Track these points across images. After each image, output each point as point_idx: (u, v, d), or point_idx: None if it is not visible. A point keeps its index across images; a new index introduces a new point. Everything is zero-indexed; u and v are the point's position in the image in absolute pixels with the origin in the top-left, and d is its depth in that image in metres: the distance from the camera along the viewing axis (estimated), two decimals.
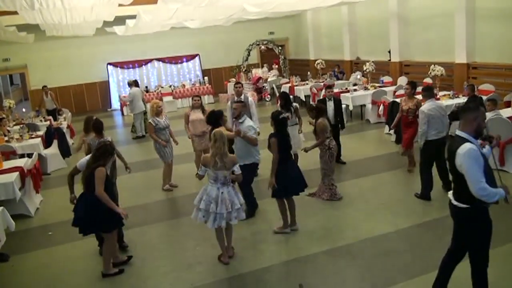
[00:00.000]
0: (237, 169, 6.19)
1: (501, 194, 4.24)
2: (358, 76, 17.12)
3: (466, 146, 4.24)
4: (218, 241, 6.34)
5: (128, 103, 16.24)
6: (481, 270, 4.58)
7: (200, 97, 10.19)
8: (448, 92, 12.52)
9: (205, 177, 6.28)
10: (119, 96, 16.71)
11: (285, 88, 18.16)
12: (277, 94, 18.63)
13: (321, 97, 13.56)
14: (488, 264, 4.56)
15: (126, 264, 6.47)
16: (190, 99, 10.34)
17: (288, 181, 6.89)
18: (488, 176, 4.25)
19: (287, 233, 7.05)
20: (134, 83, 15.67)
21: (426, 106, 7.90)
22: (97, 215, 5.91)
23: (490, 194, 4.20)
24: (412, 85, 9.28)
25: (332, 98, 10.11)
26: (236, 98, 9.38)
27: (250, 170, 7.71)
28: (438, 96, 12.28)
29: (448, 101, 11.64)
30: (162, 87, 22.03)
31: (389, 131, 11.73)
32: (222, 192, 6.04)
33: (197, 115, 9.64)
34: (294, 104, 9.80)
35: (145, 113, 15.48)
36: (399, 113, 9.38)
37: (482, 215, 4.45)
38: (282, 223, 7.15)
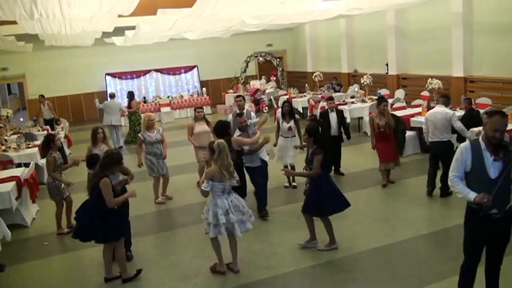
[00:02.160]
0: (236, 176, 6.21)
1: (469, 197, 4.38)
2: (356, 89, 17.16)
3: (462, 143, 4.57)
4: (215, 250, 6.26)
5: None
6: (461, 269, 4.78)
7: (203, 108, 10.09)
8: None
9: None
10: (95, 100, 16.69)
11: (282, 100, 18.14)
12: (275, 106, 18.69)
13: (320, 110, 13.66)
14: (467, 270, 4.71)
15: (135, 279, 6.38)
16: (188, 110, 10.27)
17: (330, 198, 6.70)
18: (476, 179, 4.43)
19: (335, 249, 6.81)
20: (128, 95, 16.00)
21: (429, 111, 8.77)
22: (99, 224, 5.93)
23: (457, 189, 4.53)
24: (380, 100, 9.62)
25: (334, 110, 10.17)
26: (238, 111, 9.37)
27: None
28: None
29: None
30: (160, 98, 22.03)
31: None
32: (231, 201, 6.06)
33: (202, 127, 9.55)
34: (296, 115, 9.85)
35: (138, 124, 15.57)
36: (373, 131, 9.48)
37: (469, 213, 4.58)
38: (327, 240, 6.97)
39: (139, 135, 9.27)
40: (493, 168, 4.32)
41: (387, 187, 9.38)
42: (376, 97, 15.50)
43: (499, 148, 4.29)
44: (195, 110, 9.95)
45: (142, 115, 9.95)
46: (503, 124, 4.28)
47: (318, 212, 6.76)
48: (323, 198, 6.63)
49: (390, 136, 9.37)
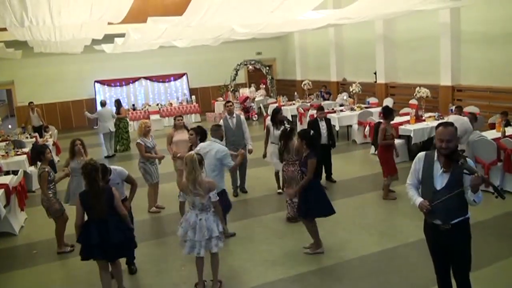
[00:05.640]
0: (213, 196, 5.80)
1: (415, 203, 4.58)
2: (345, 97, 17.28)
3: (419, 153, 4.72)
4: (196, 268, 6.07)
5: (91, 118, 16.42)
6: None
7: (183, 117, 10.04)
8: (433, 114, 12.68)
9: None
10: (85, 112, 16.78)
11: (272, 107, 18.20)
12: (264, 114, 18.75)
13: (309, 118, 13.71)
14: (438, 278, 4.79)
15: None
16: (173, 119, 10.16)
17: (319, 202, 6.83)
18: (424, 188, 4.58)
19: (320, 253, 6.93)
20: (115, 103, 16.10)
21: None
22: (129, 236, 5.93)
23: (408, 196, 4.74)
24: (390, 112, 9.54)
25: (323, 119, 10.27)
26: (228, 116, 9.56)
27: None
28: (423, 118, 12.45)
29: (433, 122, 11.79)
30: (149, 106, 22.01)
31: (375, 151, 11.82)
32: (200, 219, 5.74)
33: (182, 135, 9.38)
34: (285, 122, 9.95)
35: (126, 131, 15.89)
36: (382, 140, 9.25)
37: (424, 223, 4.76)
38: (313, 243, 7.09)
39: (139, 141, 9.08)
40: (440, 179, 4.39)
41: (386, 196, 9.36)
42: (365, 106, 15.66)
43: (451, 160, 4.30)
44: (175, 118, 9.84)
45: (139, 122, 9.88)
46: (445, 134, 4.31)
47: (305, 214, 6.89)
48: (310, 201, 6.75)
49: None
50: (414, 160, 4.66)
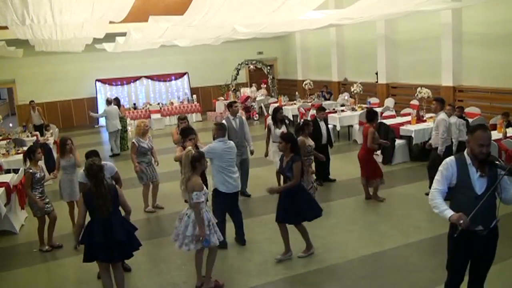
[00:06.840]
0: (194, 197, 5.76)
1: (444, 214, 4.21)
2: (346, 97, 17.26)
3: (447, 158, 4.46)
4: (195, 263, 6.13)
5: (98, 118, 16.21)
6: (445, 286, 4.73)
7: (187, 118, 9.90)
8: (435, 114, 12.65)
9: None
10: (89, 113, 16.60)
11: (273, 107, 18.19)
12: (266, 113, 18.73)
13: (309, 118, 13.70)
14: None
15: None
16: (177, 118, 10.01)
17: (306, 205, 6.72)
18: (461, 195, 4.31)
19: (288, 259, 6.81)
20: (114, 101, 15.86)
21: (444, 116, 8.92)
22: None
23: (434, 204, 4.33)
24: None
25: (323, 119, 10.30)
26: (231, 117, 9.48)
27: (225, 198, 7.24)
28: (424, 118, 12.44)
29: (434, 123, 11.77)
30: (150, 105, 22.01)
31: (376, 152, 11.81)
32: (186, 214, 5.92)
33: None
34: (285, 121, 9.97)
35: (125, 131, 15.77)
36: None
37: (453, 229, 4.35)
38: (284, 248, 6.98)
39: (134, 141, 9.08)
40: (479, 184, 4.22)
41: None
42: (366, 106, 15.64)
43: (485, 163, 4.19)
44: (178, 119, 9.69)
45: (136, 121, 9.82)
46: (487, 138, 4.16)
47: (295, 220, 6.75)
48: (300, 205, 6.64)
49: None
50: (444, 166, 4.37)
